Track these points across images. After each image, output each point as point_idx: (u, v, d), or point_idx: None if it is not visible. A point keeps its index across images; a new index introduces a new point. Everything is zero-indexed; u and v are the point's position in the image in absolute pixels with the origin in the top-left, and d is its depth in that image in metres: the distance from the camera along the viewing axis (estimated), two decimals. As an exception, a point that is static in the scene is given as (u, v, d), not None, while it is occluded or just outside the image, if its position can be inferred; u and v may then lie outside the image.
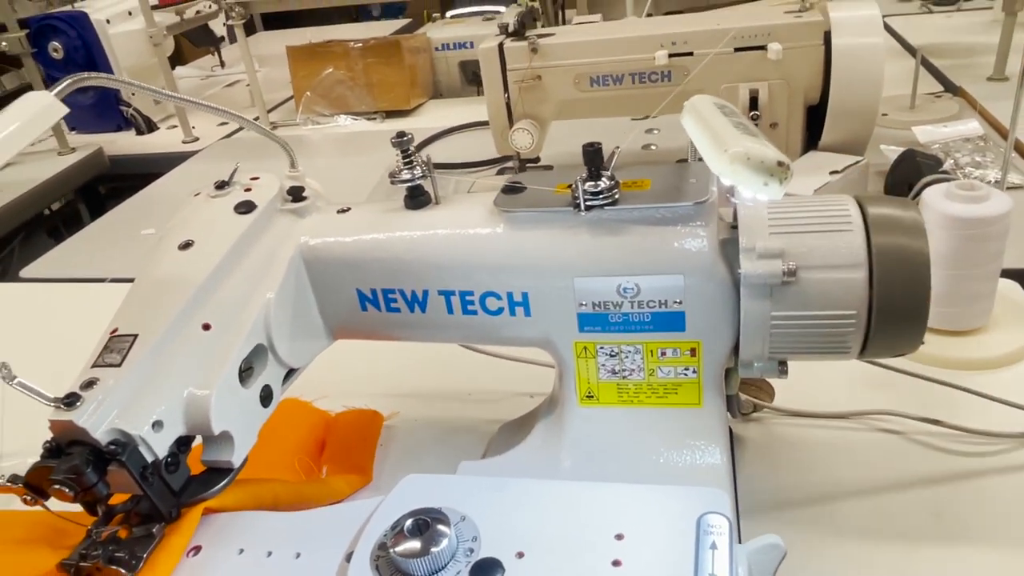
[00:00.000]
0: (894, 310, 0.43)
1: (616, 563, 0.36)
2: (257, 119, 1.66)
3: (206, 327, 0.45)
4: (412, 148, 0.50)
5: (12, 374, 0.39)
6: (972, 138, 1.05)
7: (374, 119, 1.60)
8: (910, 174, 0.91)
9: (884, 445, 0.61)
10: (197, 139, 1.65)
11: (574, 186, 0.45)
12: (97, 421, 0.39)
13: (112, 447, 0.39)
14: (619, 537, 0.37)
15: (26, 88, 2.45)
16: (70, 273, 1.13)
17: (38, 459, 0.41)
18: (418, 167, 0.50)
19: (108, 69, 1.73)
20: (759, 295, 0.43)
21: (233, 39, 2.37)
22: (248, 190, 0.52)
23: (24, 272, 1.15)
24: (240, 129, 1.68)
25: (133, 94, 1.77)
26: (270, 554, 0.41)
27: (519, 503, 0.40)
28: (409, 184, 0.50)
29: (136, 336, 0.43)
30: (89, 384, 0.41)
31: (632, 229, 0.45)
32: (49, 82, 1.59)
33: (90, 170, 1.53)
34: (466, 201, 0.51)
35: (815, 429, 0.64)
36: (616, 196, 0.45)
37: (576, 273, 0.46)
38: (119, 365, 0.42)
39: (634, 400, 0.50)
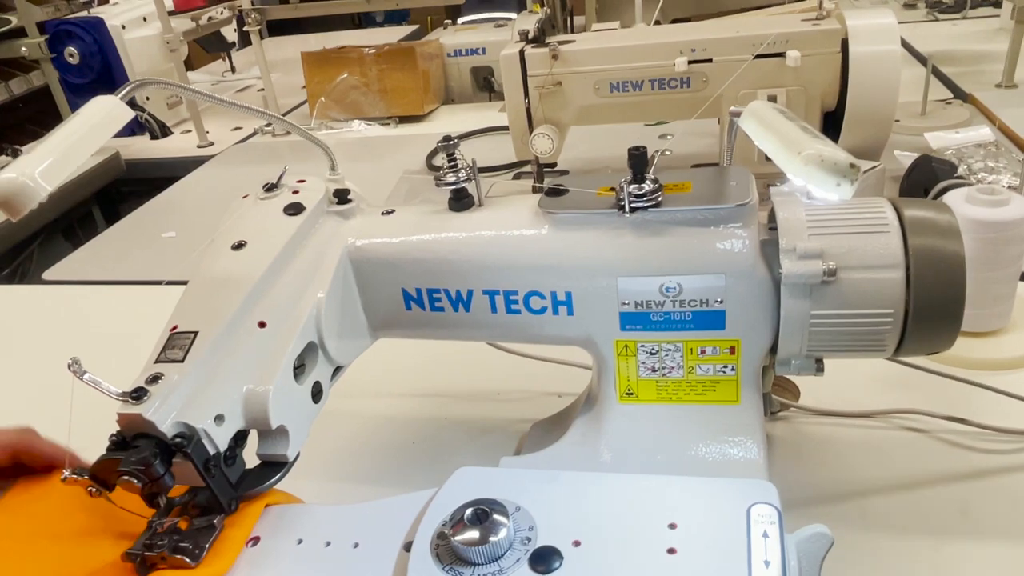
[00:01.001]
0: (930, 309, 0.45)
1: (671, 551, 0.37)
2: (271, 124, 1.68)
3: (262, 325, 0.47)
4: (457, 152, 0.51)
5: (83, 369, 0.40)
6: (984, 144, 1.07)
7: (388, 124, 1.62)
8: (925, 179, 0.92)
9: (909, 443, 0.63)
10: (212, 144, 1.66)
11: (619, 188, 0.47)
12: (163, 414, 0.41)
13: (178, 440, 0.41)
14: (672, 526, 0.38)
15: (40, 92, 2.45)
16: (93, 275, 1.14)
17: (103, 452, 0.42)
18: (463, 170, 0.51)
19: (123, 75, 1.75)
20: (799, 294, 0.45)
21: (244, 45, 2.39)
22: (296, 192, 0.53)
23: (47, 275, 1.16)
24: (254, 134, 1.70)
25: (148, 98, 1.79)
26: (329, 544, 0.42)
27: (571, 494, 0.41)
28: (454, 187, 0.52)
29: (196, 333, 0.44)
30: (154, 379, 0.42)
31: (675, 230, 0.47)
32: (65, 88, 1.61)
33: (108, 174, 1.55)
34: (510, 203, 0.52)
35: (841, 428, 0.65)
36: (659, 198, 0.47)
37: (620, 273, 0.48)
38: (182, 361, 0.43)
39: (673, 397, 0.51)
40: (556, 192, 0.50)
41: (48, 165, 0.37)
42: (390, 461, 0.69)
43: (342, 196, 0.54)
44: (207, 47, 2.17)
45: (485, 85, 1.75)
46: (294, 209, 0.52)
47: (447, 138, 0.51)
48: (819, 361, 0.49)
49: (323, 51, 1.66)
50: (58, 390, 0.86)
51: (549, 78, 1.00)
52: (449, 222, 0.52)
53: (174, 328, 0.45)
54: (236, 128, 1.76)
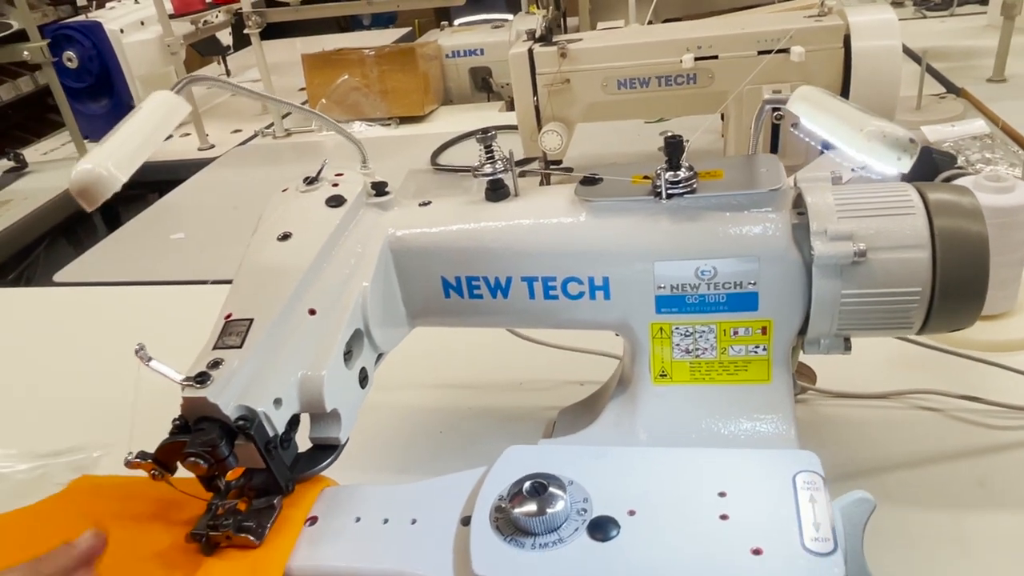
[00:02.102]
0: (956, 287, 0.47)
1: (724, 517, 0.39)
2: (272, 126, 1.69)
3: (312, 312, 0.48)
4: (495, 144, 0.53)
5: (148, 355, 0.41)
6: (980, 136, 1.10)
7: (388, 125, 1.63)
8: (926, 170, 0.95)
9: (925, 422, 0.65)
10: (213, 146, 1.67)
11: (655, 175, 0.49)
12: (227, 398, 0.42)
13: (241, 422, 0.42)
14: (722, 495, 0.40)
15: (27, 99, 2.44)
16: (104, 277, 1.15)
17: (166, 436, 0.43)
18: (500, 162, 0.53)
19: (122, 78, 1.75)
20: (830, 275, 0.47)
21: (239, 48, 2.40)
22: (335, 185, 0.55)
23: (57, 276, 1.17)
24: (254, 137, 1.71)
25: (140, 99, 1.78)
26: (386, 521, 0.44)
27: (621, 468, 0.43)
28: (491, 177, 0.53)
29: (252, 320, 0.46)
30: (215, 364, 0.43)
31: (710, 215, 0.49)
32: (65, 91, 1.61)
33: (110, 177, 1.55)
34: (545, 193, 0.54)
35: (857, 409, 0.68)
36: (694, 185, 0.49)
37: (657, 257, 0.49)
38: (240, 347, 0.44)
39: (706, 378, 0.53)
40: (591, 181, 0.52)
41: (121, 156, 0.38)
42: (421, 450, 0.70)
43: (380, 188, 0.56)
44: (202, 51, 2.17)
45: (483, 85, 1.76)
46: (335, 201, 0.53)
47: (485, 130, 0.52)
48: (847, 340, 0.51)
49: (323, 53, 1.67)
50: (83, 387, 0.87)
51: (557, 76, 1.02)
52: (487, 212, 0.53)
53: (228, 316, 0.47)
54: (236, 131, 1.77)
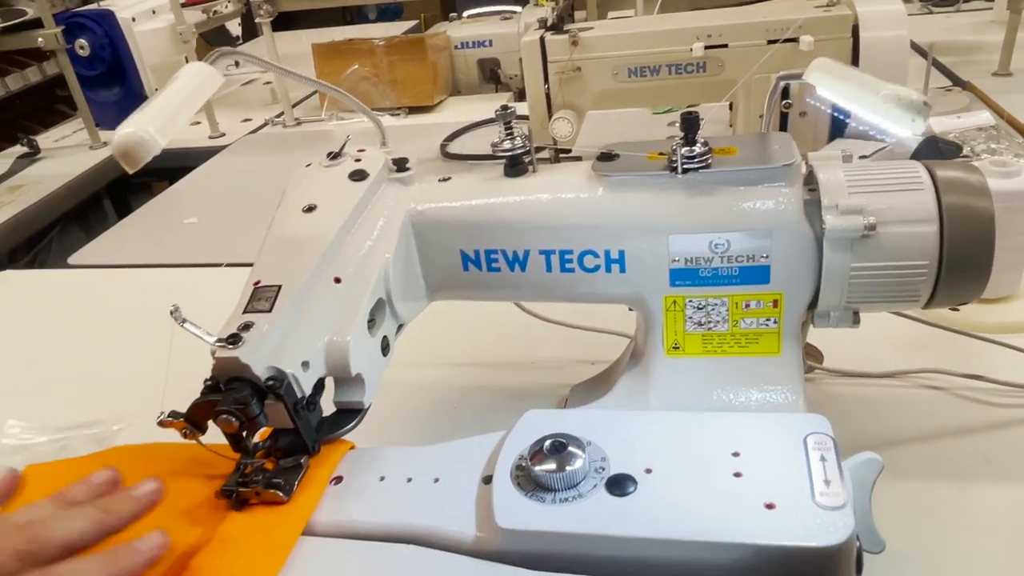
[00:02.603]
0: (962, 261, 0.48)
1: (737, 475, 0.40)
2: (282, 115, 1.70)
3: (337, 280, 0.50)
4: (514, 121, 0.54)
5: (182, 316, 0.43)
6: (985, 127, 1.11)
7: (398, 115, 1.65)
8: (932, 159, 0.96)
9: (931, 400, 0.66)
10: (223, 134, 1.68)
11: (671, 151, 0.50)
12: (258, 359, 0.44)
13: (271, 382, 0.44)
14: (736, 454, 0.41)
15: (35, 88, 2.46)
16: (118, 260, 1.16)
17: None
18: (519, 138, 0.54)
19: (133, 67, 1.77)
20: (841, 248, 0.48)
21: (247, 40, 2.41)
22: (358, 160, 0.56)
23: (72, 259, 1.18)
24: (264, 125, 1.72)
25: (156, 89, 1.80)
26: (410, 480, 0.45)
27: (637, 430, 0.44)
28: (510, 154, 0.55)
29: (280, 287, 0.47)
30: (246, 327, 0.45)
31: (724, 190, 0.50)
32: (77, 79, 1.62)
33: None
34: (563, 169, 0.55)
35: (863, 388, 0.69)
36: (709, 160, 0.50)
37: (672, 231, 0.51)
38: (269, 311, 0.46)
39: (717, 350, 0.54)
40: (608, 157, 0.53)
41: (162, 122, 0.40)
42: (436, 425, 0.72)
43: (401, 164, 0.57)
44: (212, 41, 2.19)
45: (492, 77, 1.78)
46: (358, 175, 0.55)
47: (504, 107, 0.54)
48: (856, 313, 0.52)
49: (333, 43, 1.69)
50: (100, 365, 0.89)
51: (569, 64, 1.03)
52: (506, 186, 0.55)
53: (257, 282, 0.48)
54: (246, 120, 1.78)
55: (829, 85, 0.44)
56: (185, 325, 0.43)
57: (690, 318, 0.54)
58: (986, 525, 0.54)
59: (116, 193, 1.69)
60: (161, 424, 0.45)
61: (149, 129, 0.39)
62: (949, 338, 0.70)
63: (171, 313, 0.43)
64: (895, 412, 0.66)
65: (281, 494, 0.44)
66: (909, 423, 0.64)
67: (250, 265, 0.51)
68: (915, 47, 1.57)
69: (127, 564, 0.38)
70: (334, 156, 0.57)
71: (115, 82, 1.78)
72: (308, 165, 0.57)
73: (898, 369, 0.69)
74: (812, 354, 0.72)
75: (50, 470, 0.54)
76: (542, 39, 1.03)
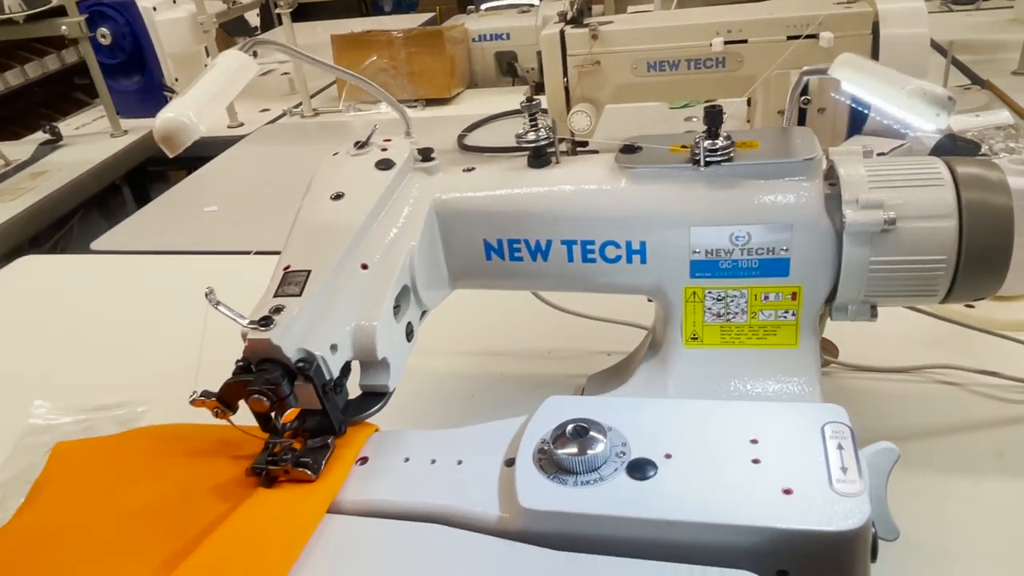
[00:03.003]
0: (980, 256, 0.49)
1: (756, 461, 0.41)
2: (300, 105, 1.72)
3: (364, 267, 0.51)
4: (539, 113, 0.55)
5: (216, 299, 0.44)
6: (1004, 126, 1.11)
7: (415, 107, 1.66)
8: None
9: (945, 395, 0.67)
10: (242, 124, 1.70)
11: (694, 144, 0.51)
12: (288, 341, 0.45)
13: (301, 364, 0.45)
14: (754, 441, 0.42)
15: (52, 77, 2.48)
16: (139, 247, 1.18)
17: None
18: (543, 130, 0.55)
19: (154, 56, 1.78)
20: (860, 242, 0.49)
21: (265, 31, 2.43)
22: (384, 150, 0.57)
23: (94, 245, 1.20)
24: (283, 116, 1.74)
25: (176, 79, 1.82)
26: (434, 461, 0.46)
27: (657, 417, 0.45)
28: (535, 145, 0.56)
29: (310, 272, 0.48)
30: (277, 310, 0.46)
31: (746, 183, 0.51)
32: (102, 68, 1.64)
33: (142, 152, 1.58)
34: (586, 161, 0.56)
35: (879, 382, 0.70)
36: (731, 153, 0.51)
37: (693, 223, 0.52)
38: (299, 295, 0.47)
39: (735, 341, 0.55)
40: (631, 149, 0.54)
41: (201, 107, 0.41)
42: (454, 413, 0.73)
43: (426, 154, 0.58)
44: (230, 31, 2.20)
45: (509, 70, 1.78)
46: (385, 165, 0.56)
47: (529, 99, 0.55)
48: (873, 307, 0.53)
49: (352, 34, 1.70)
50: (124, 349, 0.90)
51: (588, 57, 1.04)
52: (530, 177, 0.56)
53: (287, 267, 0.49)
54: (264, 109, 1.80)
55: (854, 80, 0.45)
56: (219, 307, 0.44)
57: (709, 309, 0.54)
58: (998, 519, 0.55)
59: (135, 182, 1.71)
60: (193, 403, 0.46)
61: (189, 114, 0.40)
62: (964, 335, 0.71)
63: (206, 295, 0.44)
64: (909, 406, 0.66)
65: (309, 472, 0.45)
66: (923, 417, 0.65)
67: (273, 253, 0.52)
68: (935, 45, 1.57)
69: None
70: (361, 145, 0.58)
71: (135, 71, 1.80)
72: (335, 154, 0.58)
73: (913, 364, 0.70)
74: (827, 348, 0.73)
75: (79, 448, 0.56)
76: (562, 32, 1.04)
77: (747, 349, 0.55)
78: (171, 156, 0.41)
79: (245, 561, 0.40)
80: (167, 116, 0.40)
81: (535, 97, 0.55)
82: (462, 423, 0.73)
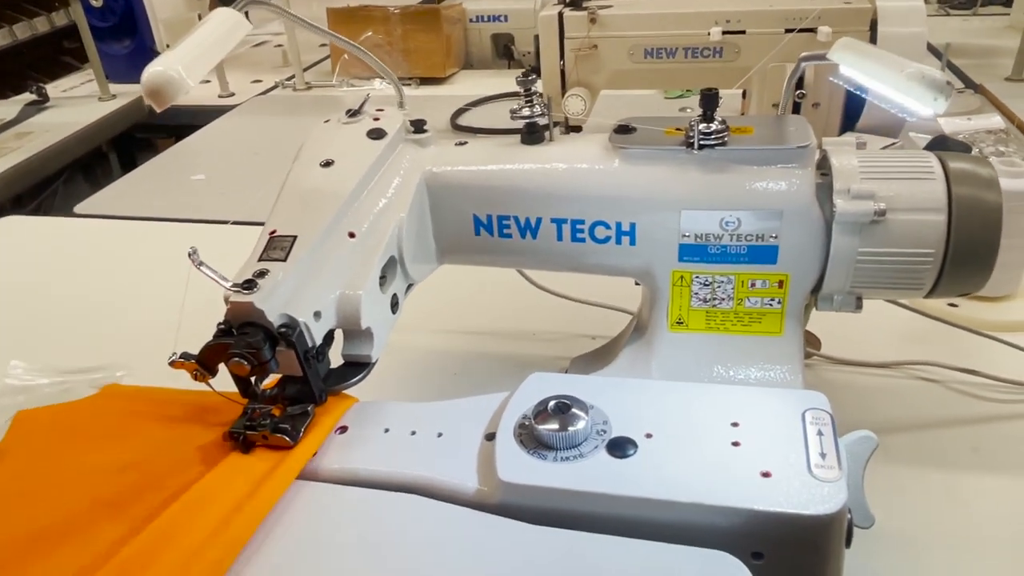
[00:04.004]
0: (967, 252, 0.49)
1: (735, 443, 0.41)
2: (293, 78, 1.70)
3: (351, 235, 0.50)
4: (535, 88, 0.55)
5: (199, 259, 0.43)
6: (995, 131, 1.11)
7: (409, 85, 1.65)
8: (941, 158, 0.97)
9: (925, 391, 0.68)
10: (233, 94, 1.68)
11: (689, 126, 0.51)
12: (271, 305, 0.44)
13: (284, 329, 0.44)
14: (735, 424, 0.42)
15: (40, 39, 2.44)
16: (123, 212, 1.16)
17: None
18: (537, 106, 0.55)
19: (145, 21, 1.76)
20: (849, 232, 0.49)
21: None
22: (376, 119, 0.56)
23: (78, 208, 1.19)
24: (275, 87, 1.72)
25: (168, 45, 1.79)
26: (414, 433, 0.46)
27: (639, 396, 0.45)
28: (528, 120, 0.55)
29: (296, 237, 0.48)
30: (261, 274, 0.45)
31: (739, 168, 0.51)
32: (92, 31, 1.61)
33: (130, 117, 1.56)
34: (580, 140, 0.56)
35: (860, 376, 0.70)
36: (726, 138, 0.51)
37: (683, 206, 0.51)
38: (284, 260, 0.47)
39: (720, 327, 0.55)
40: (625, 130, 0.54)
41: (190, 62, 0.40)
42: (436, 390, 0.73)
43: (418, 126, 0.57)
44: (225, 0, 2.18)
45: (505, 53, 1.77)
46: (376, 134, 0.55)
47: (526, 73, 0.54)
48: (859, 299, 0.53)
49: (348, 8, 1.68)
50: (103, 313, 0.89)
51: (586, 41, 1.03)
52: (522, 153, 0.55)
53: (273, 232, 0.49)
54: (256, 80, 1.78)
55: (853, 63, 0.45)
56: (202, 268, 0.43)
57: (696, 294, 0.54)
58: (971, 512, 0.55)
59: (121, 148, 1.69)
60: (172, 364, 0.46)
61: (179, 68, 0.39)
62: (947, 333, 0.71)
63: (189, 255, 0.43)
64: (889, 401, 0.67)
65: (288, 439, 0.45)
66: (902, 412, 0.65)
67: (257, 224, 0.51)
68: (931, 48, 1.57)
69: None
70: (353, 114, 0.57)
71: (126, 35, 1.78)
72: (327, 121, 0.58)
73: (894, 360, 0.70)
74: (810, 341, 0.73)
75: (43, 414, 0.54)
76: (560, 15, 1.03)
77: (732, 335, 0.55)
78: (158, 111, 0.40)
79: (210, 521, 0.39)
80: (155, 70, 0.39)
81: (531, 72, 0.54)
82: (443, 399, 0.73)
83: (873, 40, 0.95)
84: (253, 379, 0.47)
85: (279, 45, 1.99)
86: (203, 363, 0.45)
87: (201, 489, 0.42)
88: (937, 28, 1.73)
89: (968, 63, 1.47)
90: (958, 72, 1.43)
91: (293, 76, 1.69)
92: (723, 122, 0.51)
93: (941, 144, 0.99)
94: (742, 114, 1.20)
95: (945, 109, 0.39)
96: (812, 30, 0.95)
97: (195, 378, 0.46)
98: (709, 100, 0.49)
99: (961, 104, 1.26)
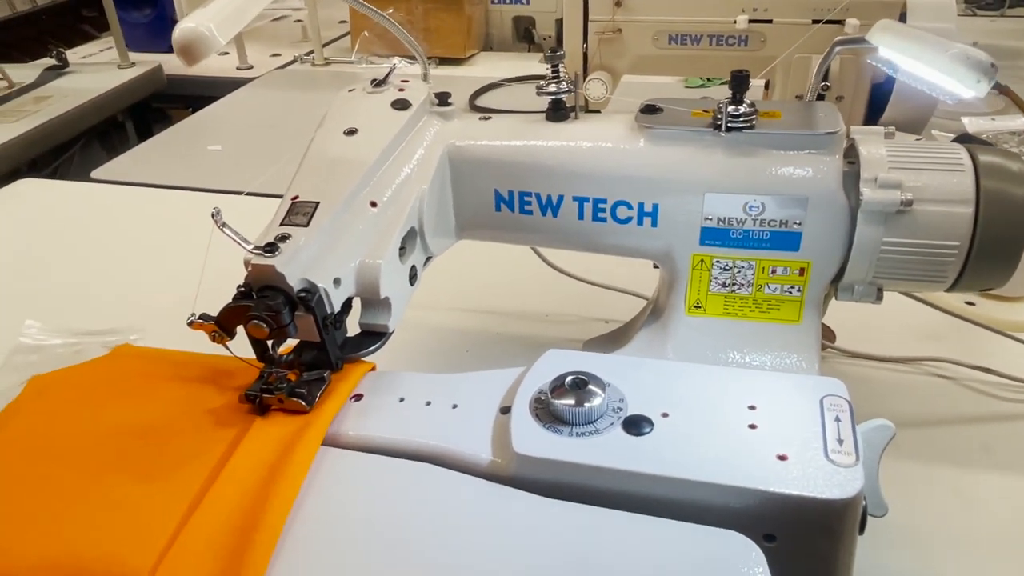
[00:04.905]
0: (993, 246, 0.48)
1: (752, 426, 0.41)
2: (311, 53, 1.69)
3: (373, 204, 0.50)
4: (561, 64, 0.54)
5: (222, 220, 0.43)
6: (1019, 132, 1.10)
7: (428, 65, 1.64)
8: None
9: (938, 387, 0.67)
10: (251, 67, 1.67)
11: (717, 108, 0.50)
12: (292, 269, 0.44)
13: (303, 294, 0.44)
14: (752, 408, 0.42)
15: (61, 7, 2.43)
16: (139, 179, 1.17)
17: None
18: (564, 82, 0.55)
19: (168, -10, 1.76)
20: (875, 221, 0.49)
21: (280, -26, 2.38)
22: (401, 90, 0.56)
23: (94, 174, 1.19)
24: (293, 62, 1.71)
25: (183, 12, 1.79)
26: (429, 403, 0.46)
27: (657, 376, 0.45)
28: (554, 97, 0.55)
29: (318, 203, 0.48)
30: (283, 238, 0.45)
31: (765, 152, 0.50)
32: (116, 0, 1.60)
33: (149, 85, 1.56)
34: (605, 118, 0.56)
35: (874, 370, 0.70)
36: (754, 121, 0.50)
37: (708, 189, 0.51)
38: (306, 226, 0.46)
39: (739, 313, 0.55)
40: (652, 109, 0.53)
41: (221, 20, 0.40)
42: (449, 366, 0.72)
43: (443, 99, 0.57)
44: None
45: (525, 35, 1.76)
46: (400, 105, 0.55)
47: (553, 49, 0.54)
48: (880, 290, 0.53)
49: (370, -15, 1.67)
50: (117, 277, 0.90)
51: (610, 24, 1.03)
52: (547, 130, 0.55)
53: (295, 197, 0.49)
54: (275, 54, 1.77)
55: (893, 44, 0.44)
56: (224, 229, 0.43)
57: (715, 279, 0.54)
58: (980, 508, 0.55)
59: (138, 118, 1.69)
60: (191, 325, 0.46)
61: (211, 26, 0.39)
62: (963, 331, 0.71)
63: (212, 216, 0.43)
64: (902, 395, 0.66)
65: (303, 403, 0.45)
66: (914, 407, 0.65)
67: (272, 196, 0.51)
68: (956, 46, 1.55)
69: None
70: (378, 84, 0.57)
71: (147, 4, 1.77)
72: (351, 90, 0.57)
73: (909, 355, 0.70)
74: (824, 333, 0.73)
75: (57, 376, 0.54)
76: (585, -3, 1.03)
77: (749, 322, 0.55)
78: (189, 66, 0.40)
79: (256, 494, 0.39)
80: (187, 26, 0.39)
81: (558, 48, 0.54)
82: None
83: (901, 34, 0.94)
84: (270, 343, 0.47)
85: (299, 20, 1.98)
86: (222, 324, 0.45)
87: (240, 465, 0.42)
88: (965, 27, 1.71)
89: (994, 64, 1.45)
90: (983, 72, 1.41)
91: (312, 51, 1.69)
92: (752, 105, 0.50)
93: (964, 140, 0.98)
94: (763, 105, 1.20)
95: (987, 92, 0.39)
96: (840, 22, 0.94)
97: (213, 339, 0.46)
98: (739, 82, 0.49)
99: (987, 104, 1.25)
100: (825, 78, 0.97)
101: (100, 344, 0.78)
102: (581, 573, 0.35)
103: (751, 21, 0.97)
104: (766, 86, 1.16)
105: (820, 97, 0.98)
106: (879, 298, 0.53)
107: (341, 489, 0.41)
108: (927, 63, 0.40)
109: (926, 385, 0.68)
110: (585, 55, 1.05)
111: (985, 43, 1.59)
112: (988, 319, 0.73)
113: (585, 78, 1.06)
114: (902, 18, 0.94)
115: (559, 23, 1.06)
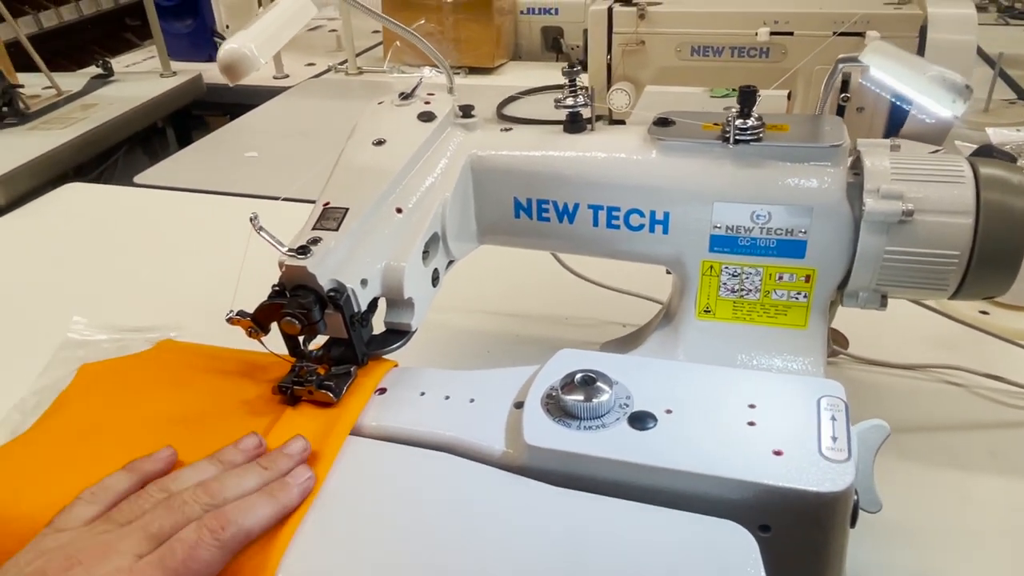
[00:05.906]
0: (993, 256, 0.50)
1: (751, 423, 0.43)
2: (345, 62, 1.74)
3: (399, 211, 0.53)
4: (579, 79, 0.57)
5: (259, 224, 0.47)
6: (1044, 142, 1.10)
7: (458, 74, 1.67)
8: (984, 168, 0.97)
9: (947, 394, 0.69)
10: (287, 76, 1.73)
11: (725, 121, 0.53)
12: (323, 270, 0.48)
13: (333, 293, 0.48)
14: (752, 406, 0.44)
15: (106, 16, 2.52)
16: (180, 184, 1.22)
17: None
18: (581, 96, 0.57)
19: (208, 2, 1.82)
20: (877, 231, 0.51)
21: (316, -15, 2.45)
22: (427, 103, 0.60)
23: (138, 178, 1.24)
24: (328, 71, 1.77)
25: (227, 26, 1.85)
26: (448, 398, 0.49)
27: (662, 375, 0.48)
28: (571, 110, 0.58)
29: (347, 209, 0.51)
30: (314, 241, 0.49)
31: (772, 164, 0.52)
32: (156, 9, 1.67)
33: (189, 94, 1.62)
34: (620, 130, 0.58)
35: (884, 377, 0.71)
36: (761, 133, 0.53)
37: (717, 198, 0.54)
38: (336, 230, 0.50)
39: (747, 318, 0.57)
40: (664, 122, 0.56)
41: (263, 41, 0.44)
42: (469, 365, 0.75)
43: (467, 111, 0.60)
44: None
45: (554, 45, 1.79)
46: (426, 117, 0.58)
47: (571, 65, 0.57)
48: (884, 297, 0.55)
49: (403, -4, 1.71)
50: (160, 278, 0.94)
51: (634, 36, 1.05)
52: (564, 141, 0.58)
53: (327, 203, 0.52)
54: (309, 64, 1.82)
55: (880, 65, 0.46)
56: (261, 233, 0.47)
57: (724, 284, 0.56)
58: (982, 512, 0.57)
59: (178, 124, 1.75)
60: (229, 321, 0.49)
61: (252, 47, 0.43)
62: (975, 340, 0.72)
63: (250, 220, 0.47)
64: (911, 401, 0.68)
65: (332, 395, 0.48)
66: (923, 412, 0.66)
67: (306, 202, 0.55)
68: (985, 56, 1.55)
69: (286, 500, 0.41)
70: (406, 97, 0.60)
71: (188, 14, 1.84)
72: (380, 102, 0.61)
73: (920, 363, 0.71)
74: (837, 339, 0.75)
75: (105, 366, 0.59)
76: (610, 9, 1.05)
77: (757, 326, 0.57)
78: (232, 84, 0.44)
79: None
80: (231, 47, 0.43)
81: (575, 63, 0.57)
82: (478, 373, 0.76)
83: (922, 46, 0.95)
84: (302, 339, 0.50)
85: (333, 30, 2.04)
86: (257, 321, 0.49)
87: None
88: (994, 36, 1.70)
89: (1022, 74, 1.45)
90: (1011, 82, 1.41)
91: (346, 61, 1.74)
92: (759, 118, 0.53)
93: (986, 153, 0.99)
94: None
95: (963, 112, 0.41)
96: (860, 34, 0.96)
97: (249, 335, 0.50)
98: (747, 97, 0.51)
99: (1011, 114, 1.25)
100: (844, 89, 0.99)
101: (143, 340, 0.82)
102: (585, 556, 0.38)
103: (772, 33, 0.99)
104: (788, 96, 1.17)
105: (840, 108, 1.00)
106: (883, 305, 0.55)
107: (364, 474, 0.44)
108: (907, 83, 0.42)
109: (936, 392, 0.69)
110: (609, 66, 1.08)
111: (1013, 52, 1.58)
112: (1001, 328, 0.74)
113: (609, 88, 1.08)
114: (923, 31, 0.95)
115: (586, 33, 1.08)
